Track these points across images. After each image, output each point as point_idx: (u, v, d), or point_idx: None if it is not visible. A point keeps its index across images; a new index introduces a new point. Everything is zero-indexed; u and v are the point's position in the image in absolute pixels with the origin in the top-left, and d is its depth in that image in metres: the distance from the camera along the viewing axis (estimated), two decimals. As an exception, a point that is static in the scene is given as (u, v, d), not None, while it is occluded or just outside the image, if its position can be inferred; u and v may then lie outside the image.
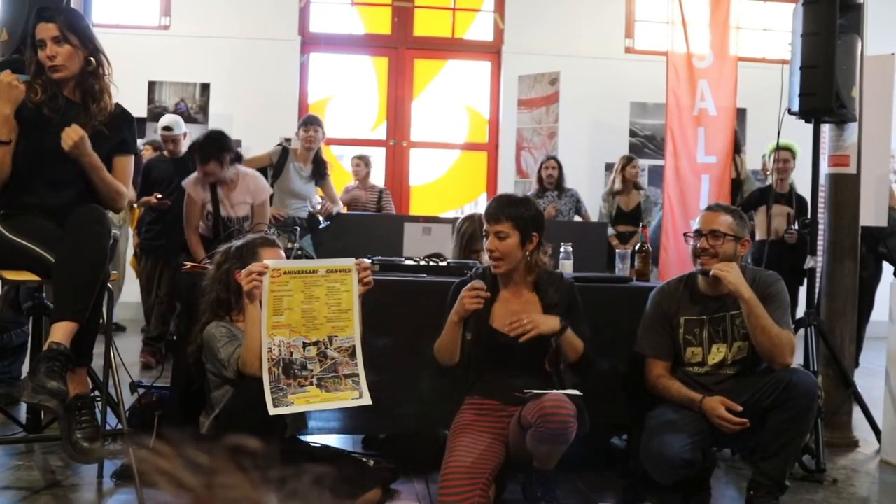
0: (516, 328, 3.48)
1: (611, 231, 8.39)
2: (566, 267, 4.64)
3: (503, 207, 3.67)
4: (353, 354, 3.32)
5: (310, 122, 6.94)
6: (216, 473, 0.99)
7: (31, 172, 3.59)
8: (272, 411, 3.16)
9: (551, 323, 3.53)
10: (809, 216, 5.28)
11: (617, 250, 5.00)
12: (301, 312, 3.29)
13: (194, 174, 5.89)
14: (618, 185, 8.63)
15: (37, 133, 3.58)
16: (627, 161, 8.65)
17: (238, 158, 5.97)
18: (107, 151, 3.71)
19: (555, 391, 3.43)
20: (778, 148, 6.78)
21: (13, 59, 4.20)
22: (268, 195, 6.06)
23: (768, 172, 7.39)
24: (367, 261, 3.51)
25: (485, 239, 3.71)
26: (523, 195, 3.91)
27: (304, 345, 3.27)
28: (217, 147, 5.69)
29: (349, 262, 3.39)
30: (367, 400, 3.31)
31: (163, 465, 0.95)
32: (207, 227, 5.76)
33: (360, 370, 3.32)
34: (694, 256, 3.87)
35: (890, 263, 6.97)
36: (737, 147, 7.24)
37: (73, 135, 3.48)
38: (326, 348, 3.29)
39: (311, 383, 3.26)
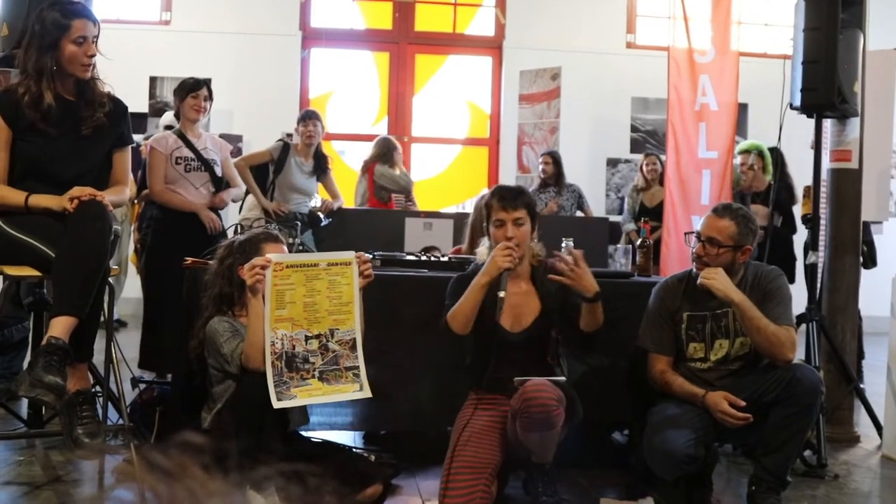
0: (561, 268, 3.51)
1: (632, 226, 8.42)
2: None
3: (516, 195, 3.71)
4: (353, 347, 3.32)
5: (308, 117, 6.92)
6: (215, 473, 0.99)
7: (32, 174, 3.60)
8: (276, 405, 3.16)
9: (590, 282, 3.57)
10: (812, 211, 5.26)
11: (618, 245, 4.98)
12: (303, 305, 3.29)
13: (159, 133, 6.01)
14: (641, 182, 8.69)
15: (34, 135, 3.58)
16: (644, 157, 8.74)
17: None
18: (109, 146, 3.74)
19: (537, 377, 3.42)
20: (740, 151, 6.79)
21: (13, 54, 4.20)
22: (229, 150, 6.10)
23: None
24: (368, 255, 3.50)
25: (495, 228, 3.68)
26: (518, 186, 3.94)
27: (307, 338, 3.27)
28: (204, 80, 5.76)
29: (349, 254, 3.39)
30: (367, 392, 3.31)
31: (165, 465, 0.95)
32: (181, 175, 5.66)
33: (361, 363, 3.32)
34: (693, 257, 3.87)
35: None
36: None
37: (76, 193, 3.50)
38: (328, 341, 3.29)
39: (313, 376, 3.26)
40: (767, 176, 7.18)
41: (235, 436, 3.12)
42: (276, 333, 3.25)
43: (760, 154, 7.16)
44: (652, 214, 8.10)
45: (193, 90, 5.66)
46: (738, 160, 7.16)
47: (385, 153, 8.19)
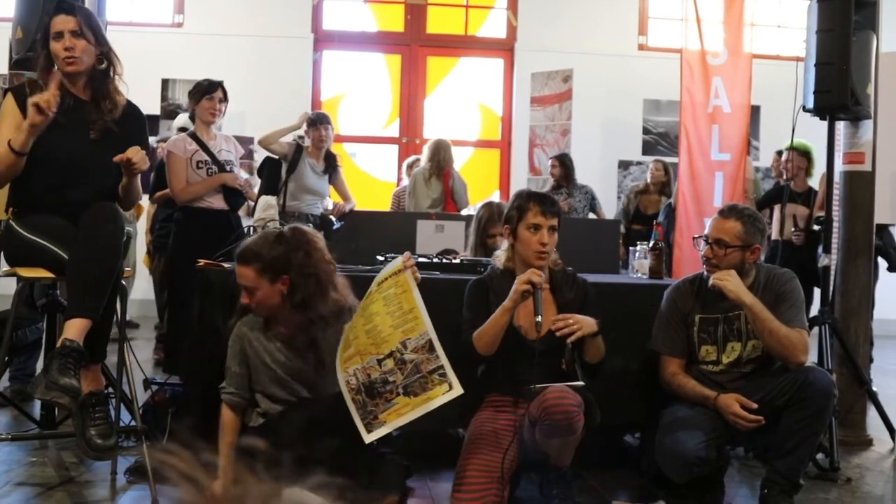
0: (563, 329, 3.44)
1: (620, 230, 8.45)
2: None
3: (553, 202, 3.74)
4: (431, 349, 3.18)
5: (319, 121, 6.92)
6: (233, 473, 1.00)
7: (43, 172, 3.60)
8: (367, 438, 3.12)
9: (591, 324, 3.51)
10: (824, 214, 5.25)
11: (636, 248, 4.96)
12: (365, 334, 3.21)
13: (176, 136, 6.00)
14: (642, 185, 8.78)
15: (46, 134, 3.58)
16: (653, 163, 8.86)
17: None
18: (117, 151, 3.71)
19: (557, 384, 3.42)
20: (789, 148, 6.76)
21: (27, 56, 4.22)
22: (242, 152, 6.11)
23: (782, 171, 7.36)
24: (409, 254, 3.43)
25: (528, 231, 3.66)
26: None
27: (379, 361, 3.18)
28: (218, 82, 5.72)
29: (397, 263, 3.28)
30: (458, 390, 3.17)
31: (178, 465, 0.95)
32: (202, 179, 5.62)
33: (444, 361, 3.17)
34: (703, 260, 3.87)
35: (883, 258, 6.92)
36: None
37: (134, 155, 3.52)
38: (402, 354, 3.18)
39: (398, 394, 3.16)
40: (809, 179, 7.19)
41: (285, 441, 3.08)
42: (349, 372, 3.19)
43: (806, 155, 7.15)
44: (646, 220, 8.11)
45: (208, 92, 5.62)
46: (784, 156, 7.18)
47: (452, 156, 8.32)
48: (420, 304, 3.21)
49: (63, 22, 3.61)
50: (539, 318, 3.45)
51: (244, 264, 3.40)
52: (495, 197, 10.93)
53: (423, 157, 8.48)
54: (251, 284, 3.38)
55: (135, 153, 3.49)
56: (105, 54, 3.72)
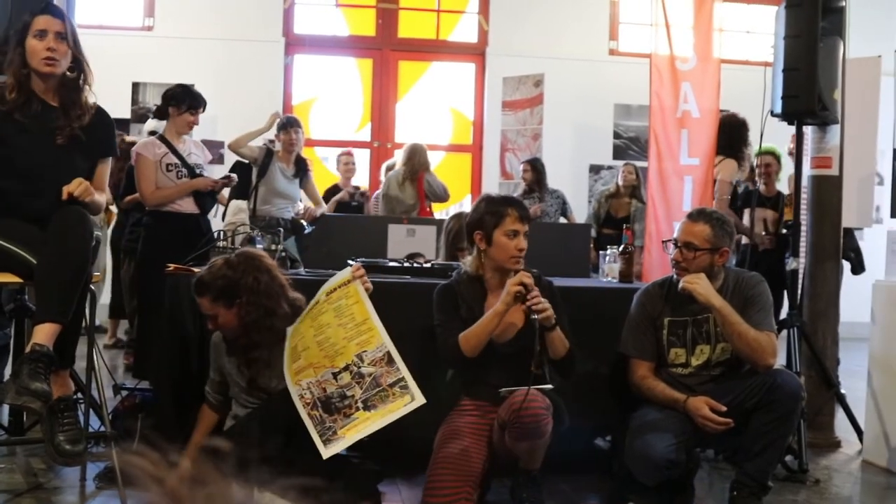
0: (538, 304, 3.45)
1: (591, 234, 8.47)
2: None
3: (525, 207, 3.78)
4: (390, 361, 3.14)
5: (290, 125, 6.90)
6: (199, 477, 0.99)
7: (7, 176, 3.56)
8: (325, 453, 3.09)
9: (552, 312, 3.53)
10: (793, 218, 5.29)
11: (607, 252, 4.98)
12: (317, 346, 3.17)
13: (145, 139, 5.97)
14: (613, 189, 8.82)
15: (12, 138, 3.55)
16: (623, 165, 8.90)
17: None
18: (84, 157, 3.70)
19: (526, 387, 3.42)
20: (760, 152, 6.82)
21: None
22: (210, 158, 6.13)
23: (755, 175, 7.41)
24: (359, 264, 3.45)
25: (506, 237, 3.64)
26: None
27: (334, 375, 3.14)
28: (205, 100, 5.71)
29: (345, 273, 3.26)
30: (420, 400, 3.13)
31: (146, 467, 0.95)
32: (172, 182, 5.57)
33: (404, 372, 3.13)
34: (672, 263, 3.89)
35: (846, 260, 7.00)
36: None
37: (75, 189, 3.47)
38: (359, 367, 3.13)
39: (358, 409, 3.12)
40: (778, 183, 7.25)
41: (256, 443, 3.09)
42: (302, 385, 3.15)
43: (777, 159, 7.21)
44: (617, 224, 8.14)
45: (194, 108, 5.60)
46: (755, 161, 7.23)
47: (426, 161, 8.23)
48: (373, 315, 3.17)
49: (49, 22, 3.59)
50: (536, 317, 3.46)
51: (199, 295, 3.56)
52: (466, 203, 10.94)
53: (399, 160, 8.43)
54: (210, 312, 3.54)
55: (76, 187, 3.46)
56: (78, 63, 3.70)
